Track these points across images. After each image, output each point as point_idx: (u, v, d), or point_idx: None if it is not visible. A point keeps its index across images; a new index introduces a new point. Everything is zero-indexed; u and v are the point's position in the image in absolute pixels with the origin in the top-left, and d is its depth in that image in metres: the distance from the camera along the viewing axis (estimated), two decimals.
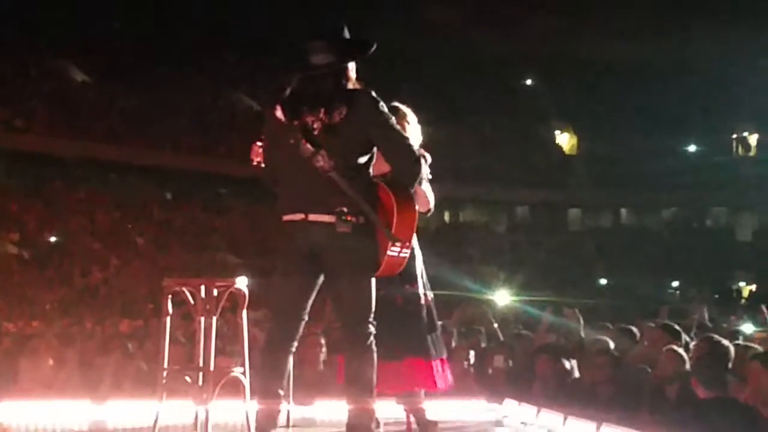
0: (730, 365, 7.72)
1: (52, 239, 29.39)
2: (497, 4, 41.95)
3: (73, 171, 33.77)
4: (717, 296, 29.51)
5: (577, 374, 9.33)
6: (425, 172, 5.55)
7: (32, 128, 32.77)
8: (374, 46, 5.32)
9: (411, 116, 6.00)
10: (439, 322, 6.41)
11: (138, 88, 36.43)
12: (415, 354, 6.12)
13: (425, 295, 6.21)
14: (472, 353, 10.21)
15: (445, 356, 6.38)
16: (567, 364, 9.38)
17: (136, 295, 23.81)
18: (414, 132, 5.80)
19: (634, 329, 10.75)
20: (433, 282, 6.35)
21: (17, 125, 32.64)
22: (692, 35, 41.40)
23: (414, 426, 6.33)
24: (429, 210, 6.00)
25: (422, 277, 6.22)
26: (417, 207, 5.41)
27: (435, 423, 6.41)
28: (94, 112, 34.86)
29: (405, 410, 5.73)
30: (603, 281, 37.85)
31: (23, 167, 33.01)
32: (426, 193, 5.85)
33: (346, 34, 5.29)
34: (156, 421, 6.18)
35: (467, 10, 42.55)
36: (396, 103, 5.50)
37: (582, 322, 11.87)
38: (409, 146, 5.20)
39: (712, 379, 7.04)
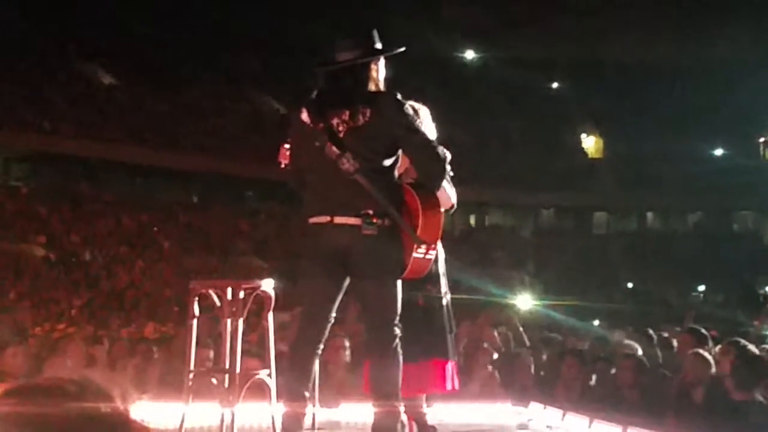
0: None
1: (79, 242, 29.51)
2: (523, 7, 41.88)
3: (99, 174, 33.96)
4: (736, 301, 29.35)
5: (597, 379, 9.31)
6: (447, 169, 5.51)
7: (59, 131, 32.94)
8: (401, 49, 5.34)
9: (424, 113, 5.99)
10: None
11: (165, 91, 36.63)
12: (437, 355, 6.14)
13: (446, 295, 6.22)
14: (495, 356, 10.20)
15: (456, 360, 6.41)
16: (592, 369, 9.37)
17: (162, 298, 23.90)
18: (428, 129, 5.77)
19: (652, 332, 10.76)
20: (459, 286, 6.36)
21: (45, 128, 32.83)
22: (719, 38, 41.23)
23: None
24: (452, 206, 5.99)
25: (444, 277, 6.23)
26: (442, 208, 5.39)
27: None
28: (121, 115, 35.02)
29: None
30: (629, 285, 37.71)
31: (50, 170, 33.22)
32: (446, 189, 5.85)
33: (375, 37, 5.30)
34: (182, 423, 6.19)
35: (492, 13, 42.52)
36: (410, 102, 5.49)
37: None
38: (435, 148, 5.19)
39: (747, 381, 7.03)
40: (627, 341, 10.24)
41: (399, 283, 5.22)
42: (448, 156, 5.26)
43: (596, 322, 18.37)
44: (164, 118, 35.93)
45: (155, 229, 32.08)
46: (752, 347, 7.83)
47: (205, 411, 6.53)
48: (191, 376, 6.30)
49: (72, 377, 1.63)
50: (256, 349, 9.01)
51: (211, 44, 39.11)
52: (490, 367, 9.84)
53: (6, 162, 33.88)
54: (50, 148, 32.37)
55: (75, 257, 28.32)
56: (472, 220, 45.15)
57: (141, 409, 7.45)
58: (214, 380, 6.28)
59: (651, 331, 10.97)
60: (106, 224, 31.17)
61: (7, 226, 28.50)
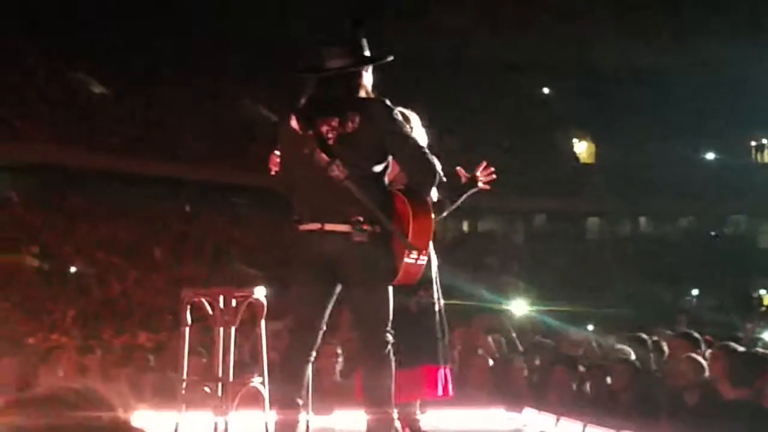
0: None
1: (71, 252, 29.45)
2: (514, 11, 41.91)
3: (91, 183, 33.90)
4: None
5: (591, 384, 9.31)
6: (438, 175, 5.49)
7: (51, 141, 32.89)
8: (390, 57, 5.34)
9: (414, 119, 6.00)
10: None
11: (156, 100, 36.60)
12: (428, 361, 6.14)
13: (438, 300, 6.22)
14: (490, 362, 10.20)
15: (450, 365, 6.41)
16: (586, 374, 9.37)
17: (155, 307, 23.85)
18: (418, 135, 5.77)
19: (645, 337, 10.75)
20: (452, 291, 6.36)
21: (36, 138, 32.78)
22: (710, 41, 41.27)
23: None
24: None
25: (436, 283, 6.23)
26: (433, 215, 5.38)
27: None
28: (113, 124, 34.96)
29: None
30: (622, 290, 37.68)
31: (42, 180, 33.16)
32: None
33: (365, 45, 5.31)
34: None
35: (483, 17, 42.53)
36: (400, 109, 5.49)
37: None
38: (425, 154, 5.19)
39: (745, 378, 7.05)
40: (620, 346, 10.23)
41: (390, 289, 5.21)
42: (438, 163, 5.26)
43: (590, 327, 18.38)
44: (155, 127, 35.90)
45: (148, 238, 32.03)
46: (742, 349, 7.84)
47: (198, 420, 6.52)
48: (184, 384, 6.30)
49: (72, 386, 1.63)
50: (248, 358, 9.01)
51: (203, 52, 39.04)
52: (484, 373, 9.84)
53: None
54: (42, 158, 32.32)
55: (67, 267, 28.26)
56: (465, 226, 45.11)
57: (137, 417, 7.44)
58: (207, 389, 6.28)
59: (645, 336, 10.96)
60: (98, 233, 31.12)
61: None
